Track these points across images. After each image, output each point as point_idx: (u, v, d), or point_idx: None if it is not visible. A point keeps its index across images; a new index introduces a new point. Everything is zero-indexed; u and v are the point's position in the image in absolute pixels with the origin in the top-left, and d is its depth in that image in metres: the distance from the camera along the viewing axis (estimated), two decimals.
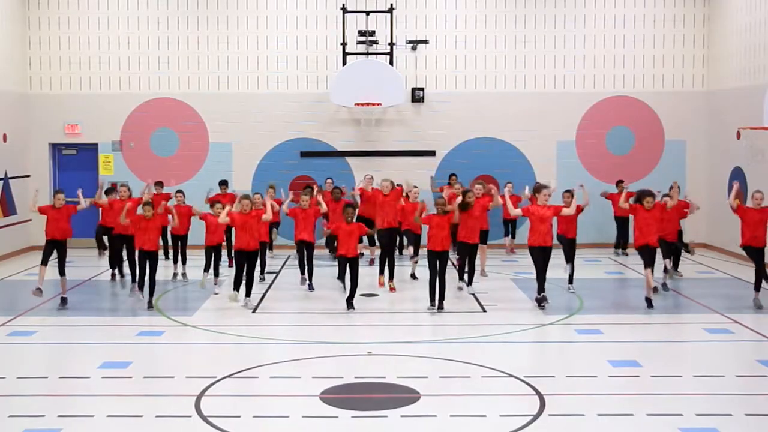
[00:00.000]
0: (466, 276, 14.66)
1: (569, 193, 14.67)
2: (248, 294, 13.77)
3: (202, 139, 20.49)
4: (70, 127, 20.48)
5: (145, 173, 20.24)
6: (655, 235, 13.40)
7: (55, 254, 13.65)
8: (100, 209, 16.12)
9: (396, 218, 15.34)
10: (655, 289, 14.09)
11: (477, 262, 15.04)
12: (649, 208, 13.36)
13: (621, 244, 19.35)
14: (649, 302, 13.42)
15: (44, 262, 13.64)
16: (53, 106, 20.44)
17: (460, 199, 14.01)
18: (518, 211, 13.67)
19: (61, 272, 13.68)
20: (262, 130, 20.41)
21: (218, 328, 12.56)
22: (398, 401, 9.11)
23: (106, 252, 15.97)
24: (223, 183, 18.44)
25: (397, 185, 15.85)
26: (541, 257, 13.32)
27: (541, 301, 13.45)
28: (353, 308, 13.45)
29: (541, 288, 13.43)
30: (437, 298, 13.36)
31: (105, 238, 15.84)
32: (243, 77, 20.49)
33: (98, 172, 20.47)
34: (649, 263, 13.31)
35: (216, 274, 15.09)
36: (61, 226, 13.63)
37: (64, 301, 13.73)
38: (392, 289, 14.82)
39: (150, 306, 13.52)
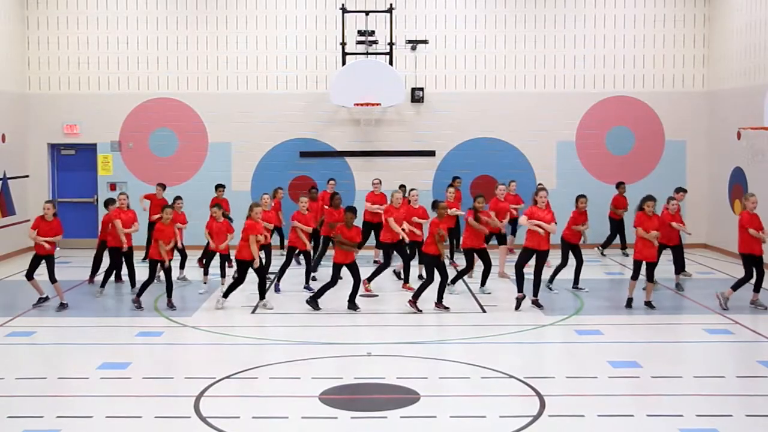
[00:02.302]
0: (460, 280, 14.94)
1: (584, 198, 15.10)
2: (263, 296, 13.73)
3: (202, 139, 20.46)
4: (69, 127, 20.46)
5: (144, 173, 20.26)
6: (649, 249, 13.40)
7: (42, 265, 13.56)
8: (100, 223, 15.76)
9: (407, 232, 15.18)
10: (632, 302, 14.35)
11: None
12: (651, 214, 13.39)
13: (621, 244, 19.40)
14: (629, 302, 13.63)
15: (30, 276, 13.55)
16: (52, 106, 20.42)
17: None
18: (523, 218, 13.67)
19: (53, 280, 13.55)
20: (262, 130, 20.38)
21: (217, 328, 12.54)
22: (398, 402, 9.10)
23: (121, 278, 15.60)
24: (220, 186, 18.22)
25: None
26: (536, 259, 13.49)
27: (535, 304, 13.60)
28: (357, 308, 13.50)
29: (535, 291, 13.63)
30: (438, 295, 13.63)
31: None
32: (243, 77, 20.47)
33: (97, 173, 20.46)
34: (635, 276, 13.57)
35: (205, 272, 15.14)
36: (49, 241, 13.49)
37: (64, 306, 13.66)
38: (410, 289, 14.86)
39: (171, 305, 13.68)
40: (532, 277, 13.53)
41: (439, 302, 13.55)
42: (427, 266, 13.46)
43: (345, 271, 13.59)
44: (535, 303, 13.58)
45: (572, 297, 14.51)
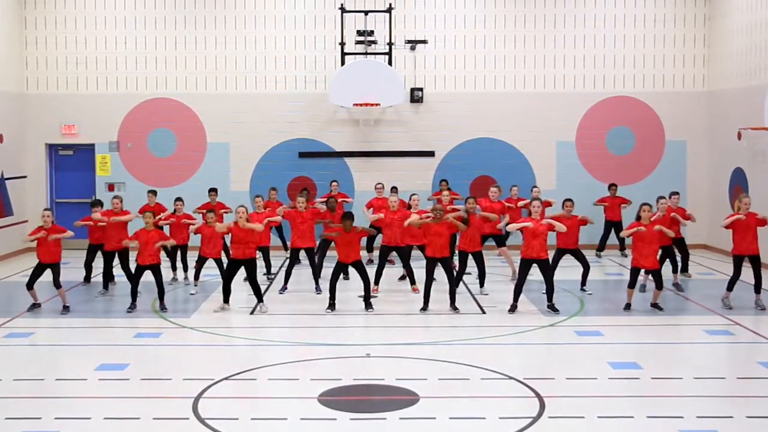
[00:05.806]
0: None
1: (570, 201, 14.65)
2: (260, 299, 13.65)
3: (200, 139, 20.42)
4: (67, 128, 20.42)
5: (142, 174, 20.23)
6: (648, 257, 13.25)
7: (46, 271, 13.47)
8: (87, 229, 15.39)
9: (403, 237, 15.08)
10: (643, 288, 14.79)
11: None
12: (647, 221, 13.28)
13: (620, 245, 19.37)
14: (627, 306, 13.52)
15: (30, 286, 13.36)
16: (50, 107, 20.38)
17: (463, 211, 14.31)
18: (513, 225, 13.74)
19: (57, 285, 13.42)
20: (261, 131, 20.35)
21: (216, 329, 12.50)
22: (397, 403, 9.06)
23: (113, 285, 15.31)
24: (213, 190, 18.08)
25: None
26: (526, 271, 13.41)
27: (512, 310, 13.50)
28: (371, 308, 13.52)
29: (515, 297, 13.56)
30: (426, 300, 13.51)
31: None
32: (241, 77, 20.43)
33: (95, 173, 20.43)
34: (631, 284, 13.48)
35: (196, 277, 15.06)
36: (51, 249, 13.34)
37: (66, 308, 13.54)
38: (415, 290, 14.85)
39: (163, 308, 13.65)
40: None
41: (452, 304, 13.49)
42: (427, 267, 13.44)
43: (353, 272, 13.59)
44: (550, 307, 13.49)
45: (572, 298, 14.47)
